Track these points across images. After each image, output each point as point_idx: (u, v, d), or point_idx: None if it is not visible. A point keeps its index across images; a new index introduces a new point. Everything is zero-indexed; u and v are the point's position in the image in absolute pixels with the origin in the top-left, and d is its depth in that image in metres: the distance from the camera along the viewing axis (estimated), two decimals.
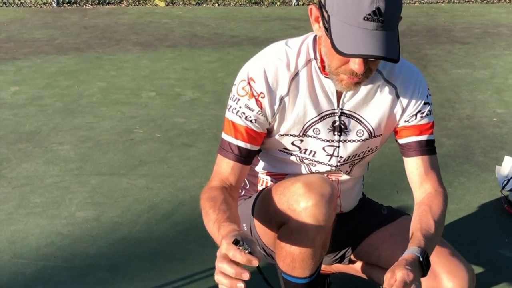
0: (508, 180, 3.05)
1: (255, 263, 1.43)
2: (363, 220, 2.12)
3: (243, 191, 2.09)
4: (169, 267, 2.56)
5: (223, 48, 6.03)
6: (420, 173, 1.90)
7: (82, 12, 7.62)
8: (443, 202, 1.85)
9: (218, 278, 1.46)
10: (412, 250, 1.64)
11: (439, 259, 1.93)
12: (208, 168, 3.41)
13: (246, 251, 1.44)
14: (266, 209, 1.86)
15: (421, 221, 1.77)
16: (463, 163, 3.57)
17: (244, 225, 1.99)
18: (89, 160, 3.54)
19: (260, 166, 2.04)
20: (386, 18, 1.56)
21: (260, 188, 2.03)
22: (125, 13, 7.58)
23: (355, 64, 1.63)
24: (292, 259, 1.82)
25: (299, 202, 1.73)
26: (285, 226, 1.79)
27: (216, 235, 1.62)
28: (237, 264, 1.44)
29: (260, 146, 1.91)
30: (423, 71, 5.10)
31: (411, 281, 1.52)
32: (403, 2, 1.68)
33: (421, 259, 1.61)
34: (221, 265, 1.45)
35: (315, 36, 1.83)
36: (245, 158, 1.84)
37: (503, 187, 3.06)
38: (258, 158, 2.02)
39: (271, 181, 2.02)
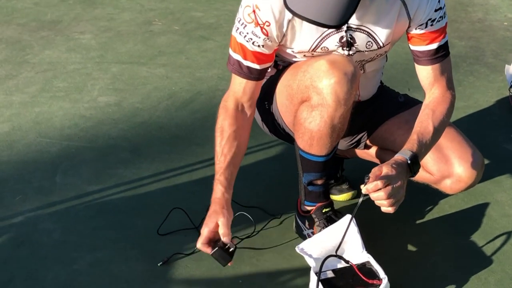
0: None
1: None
2: (380, 107, 2.08)
3: None
4: (188, 151, 2.56)
5: None
6: (430, 81, 1.87)
7: None
8: (448, 108, 1.84)
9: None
10: (403, 153, 1.68)
11: (452, 144, 1.92)
12: (225, 60, 3.31)
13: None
14: (289, 85, 1.82)
15: (421, 125, 1.77)
16: (473, 64, 3.49)
17: (266, 102, 1.96)
18: (110, 49, 3.48)
19: (278, 58, 1.97)
20: None
21: None
22: None
23: None
24: (311, 136, 1.80)
25: (322, 79, 1.69)
26: (306, 103, 1.76)
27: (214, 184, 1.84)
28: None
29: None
30: None
31: (393, 176, 1.59)
32: None
33: (408, 162, 1.66)
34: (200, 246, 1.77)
35: None
36: (258, 75, 1.82)
37: (511, 86, 3.01)
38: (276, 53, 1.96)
39: None
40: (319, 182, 1.94)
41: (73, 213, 2.18)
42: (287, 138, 2.03)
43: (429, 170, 1.94)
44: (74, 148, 2.55)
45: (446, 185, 1.95)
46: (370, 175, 1.59)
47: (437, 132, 1.79)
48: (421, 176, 1.92)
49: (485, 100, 3.07)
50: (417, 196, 2.22)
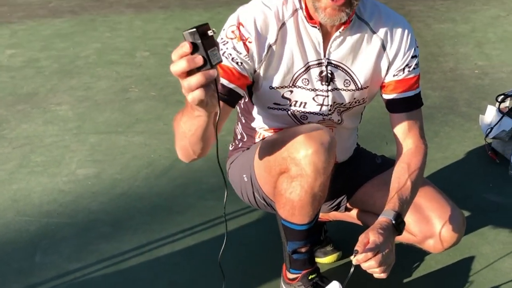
0: (491, 128, 3.01)
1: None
2: (358, 169, 2.08)
3: (240, 143, 2.03)
4: (169, 220, 2.52)
5: (214, 8, 5.89)
6: (404, 130, 1.87)
7: None
8: (422, 159, 1.85)
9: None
10: (386, 214, 1.68)
11: (431, 204, 1.91)
12: None
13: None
14: (266, 158, 1.80)
15: (399, 181, 1.78)
16: (448, 114, 3.53)
17: (244, 175, 1.94)
18: (87, 119, 3.47)
19: (255, 123, 1.97)
20: None
21: (257, 140, 1.97)
22: None
23: None
24: (292, 206, 1.78)
25: (299, 150, 1.69)
26: (285, 174, 1.75)
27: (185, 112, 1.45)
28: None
29: (252, 100, 1.85)
30: None
31: (381, 243, 1.58)
32: None
33: (393, 222, 1.66)
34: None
35: None
36: (227, 96, 1.69)
37: (487, 135, 3.04)
38: (253, 115, 1.96)
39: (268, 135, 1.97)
40: (304, 249, 1.91)
41: None
42: (269, 208, 2.01)
43: (411, 231, 1.92)
44: (54, 225, 2.50)
45: (430, 245, 1.93)
46: (358, 244, 1.57)
47: (415, 186, 1.79)
48: (404, 237, 1.91)
49: (462, 150, 3.09)
50: (403, 254, 2.18)
